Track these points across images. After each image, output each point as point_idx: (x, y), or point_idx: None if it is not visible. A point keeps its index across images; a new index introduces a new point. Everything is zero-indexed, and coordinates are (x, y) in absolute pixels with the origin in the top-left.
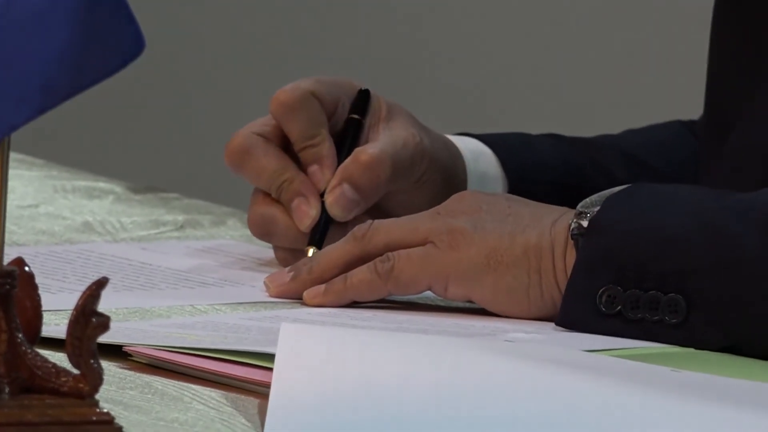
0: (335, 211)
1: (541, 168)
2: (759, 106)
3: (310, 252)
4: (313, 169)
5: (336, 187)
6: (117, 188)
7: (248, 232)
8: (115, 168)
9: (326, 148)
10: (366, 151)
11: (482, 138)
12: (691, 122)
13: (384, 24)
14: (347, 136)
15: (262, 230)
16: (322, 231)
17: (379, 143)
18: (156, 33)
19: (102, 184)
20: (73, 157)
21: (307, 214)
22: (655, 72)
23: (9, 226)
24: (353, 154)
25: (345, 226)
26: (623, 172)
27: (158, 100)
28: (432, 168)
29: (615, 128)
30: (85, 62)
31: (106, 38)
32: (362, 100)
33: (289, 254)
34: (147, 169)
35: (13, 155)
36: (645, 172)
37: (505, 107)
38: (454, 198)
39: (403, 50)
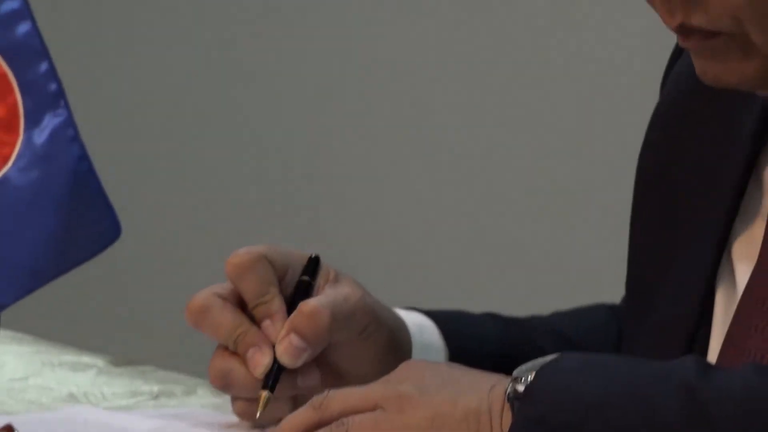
0: (285, 359)
1: (479, 341)
2: (674, 289)
3: (263, 395)
4: (266, 323)
5: (284, 337)
6: (99, 362)
7: (216, 400)
8: (98, 341)
9: (276, 304)
10: (308, 303)
11: (426, 312)
12: (617, 306)
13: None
14: (298, 296)
15: (221, 382)
16: (275, 377)
17: (322, 297)
18: (129, 216)
19: (86, 359)
20: (60, 332)
21: (261, 362)
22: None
23: (1, 396)
24: (298, 307)
25: (296, 373)
26: (552, 348)
27: (136, 284)
28: (376, 324)
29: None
30: (68, 247)
31: (87, 225)
32: (312, 265)
33: (246, 405)
34: (127, 342)
35: (5, 332)
36: (572, 349)
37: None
38: (402, 366)
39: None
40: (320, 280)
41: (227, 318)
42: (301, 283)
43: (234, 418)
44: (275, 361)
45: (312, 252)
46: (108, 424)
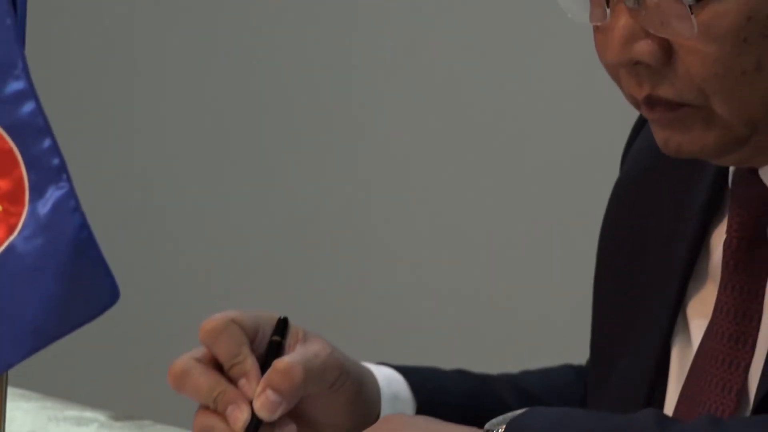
0: (263, 413)
1: (446, 394)
2: (633, 348)
3: None
4: (242, 382)
5: (261, 393)
6: (101, 417)
7: None
8: (100, 398)
9: (249, 363)
10: (283, 361)
11: (395, 367)
12: (583, 367)
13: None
14: (270, 355)
15: None
16: (254, 430)
17: (295, 354)
18: (128, 280)
19: (88, 414)
20: (65, 389)
21: (240, 418)
22: None
23: None
24: (273, 364)
25: (273, 426)
26: (517, 404)
27: (135, 345)
28: (345, 377)
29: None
30: (69, 309)
31: (87, 289)
32: (282, 325)
33: None
34: (127, 398)
35: (13, 390)
36: (536, 405)
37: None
38: (382, 420)
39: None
40: (290, 339)
41: (205, 380)
42: (272, 343)
43: None
44: (253, 415)
45: (281, 314)
46: None
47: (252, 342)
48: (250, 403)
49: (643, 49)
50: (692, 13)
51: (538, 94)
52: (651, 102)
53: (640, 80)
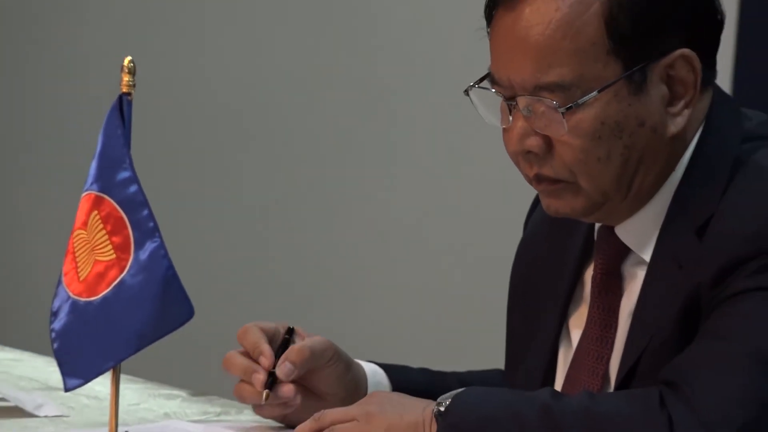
0: (282, 376)
1: (412, 383)
2: (533, 351)
3: (264, 394)
4: (261, 359)
5: (282, 364)
6: (183, 393)
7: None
8: (183, 380)
9: (266, 348)
10: (296, 345)
11: (378, 364)
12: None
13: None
14: (282, 347)
15: (238, 396)
16: (271, 384)
17: (304, 342)
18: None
19: (175, 392)
20: (159, 374)
21: (259, 379)
22: None
23: (123, 415)
24: (289, 347)
25: (282, 387)
26: (459, 387)
27: (206, 344)
28: (337, 357)
29: None
30: (160, 322)
31: (171, 309)
32: (290, 330)
33: (259, 408)
34: (200, 380)
35: (125, 376)
36: None
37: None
38: (369, 395)
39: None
40: (298, 338)
41: (240, 363)
42: (283, 339)
43: (267, 429)
44: (269, 378)
45: (290, 324)
46: (189, 431)
47: (270, 342)
48: (267, 372)
49: (533, 142)
50: (564, 119)
51: None
52: (539, 179)
53: (531, 164)
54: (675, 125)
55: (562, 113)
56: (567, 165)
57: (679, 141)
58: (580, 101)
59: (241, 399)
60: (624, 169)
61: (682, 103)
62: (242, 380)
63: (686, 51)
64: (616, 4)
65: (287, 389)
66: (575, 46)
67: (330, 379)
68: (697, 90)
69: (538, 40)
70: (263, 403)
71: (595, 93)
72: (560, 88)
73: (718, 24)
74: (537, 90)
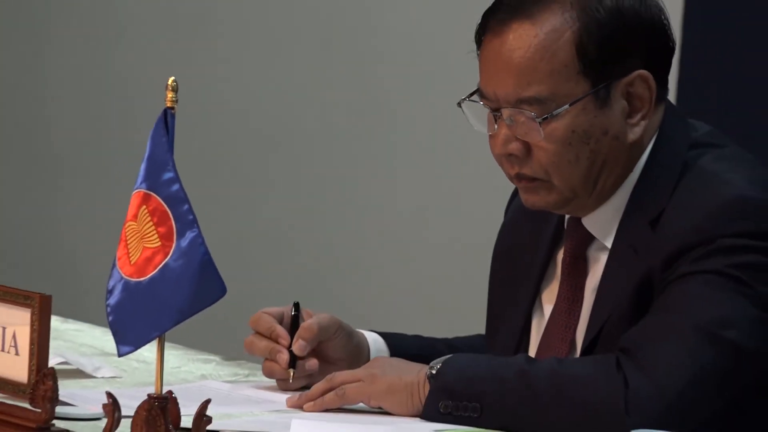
0: (298, 352)
1: (408, 348)
2: (509, 321)
3: (291, 372)
4: (279, 340)
5: (295, 342)
6: (217, 358)
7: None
8: (216, 348)
9: (280, 331)
10: (306, 323)
11: (378, 332)
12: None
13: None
14: (293, 324)
15: (269, 373)
16: (293, 363)
17: (311, 319)
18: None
19: (210, 357)
20: (196, 342)
21: (283, 358)
22: None
23: (167, 377)
24: (300, 326)
25: (304, 361)
26: (447, 352)
27: (236, 316)
28: (341, 330)
29: None
30: (197, 298)
31: (207, 287)
32: (296, 306)
33: (282, 382)
34: (232, 347)
35: (169, 343)
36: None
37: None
38: (373, 360)
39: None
40: (304, 314)
41: (263, 345)
42: (293, 317)
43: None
44: (291, 355)
45: (294, 300)
46: (222, 389)
47: (280, 322)
48: (288, 349)
49: (514, 147)
50: (541, 127)
51: None
52: (519, 177)
53: (513, 165)
54: (633, 134)
55: (539, 123)
56: (543, 166)
57: (637, 147)
58: (554, 113)
59: (271, 375)
60: (590, 170)
61: (639, 116)
62: (266, 360)
63: (643, 72)
64: (586, 32)
65: (312, 363)
66: (551, 67)
67: (337, 348)
68: (652, 104)
69: (519, 62)
70: (291, 381)
71: (567, 106)
72: (538, 101)
73: (670, 50)
74: (518, 103)
